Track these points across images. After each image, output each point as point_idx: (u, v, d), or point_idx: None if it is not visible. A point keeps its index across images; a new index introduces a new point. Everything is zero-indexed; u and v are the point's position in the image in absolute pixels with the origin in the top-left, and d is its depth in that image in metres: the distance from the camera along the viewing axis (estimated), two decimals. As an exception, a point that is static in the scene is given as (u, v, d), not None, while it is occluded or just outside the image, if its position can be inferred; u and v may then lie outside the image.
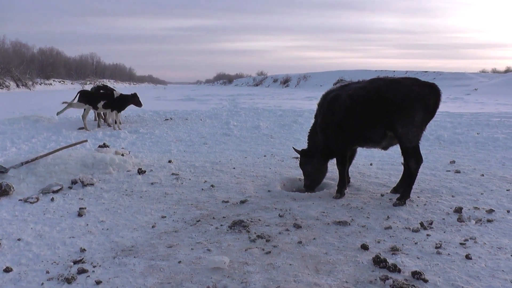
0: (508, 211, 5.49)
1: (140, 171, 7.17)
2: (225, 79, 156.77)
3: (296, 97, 34.85)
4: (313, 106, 22.19)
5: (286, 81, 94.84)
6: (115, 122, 13.63)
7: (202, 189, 6.31)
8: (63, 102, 13.99)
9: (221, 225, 4.79)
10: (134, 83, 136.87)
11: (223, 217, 5.06)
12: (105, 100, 13.48)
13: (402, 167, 7.27)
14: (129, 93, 14.45)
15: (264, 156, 8.85)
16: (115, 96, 13.63)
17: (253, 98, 35.52)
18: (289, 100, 31.50)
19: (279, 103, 27.97)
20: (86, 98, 13.46)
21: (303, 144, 10.37)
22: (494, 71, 58.48)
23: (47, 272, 3.67)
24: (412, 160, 5.81)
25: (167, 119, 16.34)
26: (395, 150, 9.64)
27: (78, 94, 13.59)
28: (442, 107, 19.79)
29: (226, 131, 12.65)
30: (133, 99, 14.04)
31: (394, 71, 51.84)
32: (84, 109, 13.50)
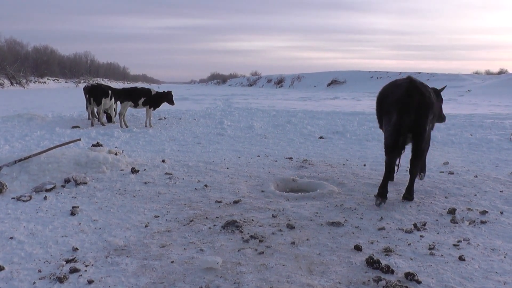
0: (502, 213, 5.51)
1: (134, 170, 7.14)
2: (219, 79, 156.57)
3: (290, 97, 34.89)
4: (307, 106, 22.28)
5: (280, 82, 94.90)
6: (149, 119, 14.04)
7: (196, 188, 6.29)
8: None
9: (214, 225, 4.77)
10: (128, 82, 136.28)
11: (216, 217, 5.04)
12: (145, 97, 13.84)
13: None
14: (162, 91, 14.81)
15: (258, 156, 8.84)
16: (153, 93, 14.01)
17: (247, 98, 35.52)
18: (283, 101, 31.52)
19: (273, 103, 27.98)
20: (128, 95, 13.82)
21: (297, 144, 10.45)
22: (488, 73, 58.76)
23: (39, 271, 3.64)
24: None
25: (161, 119, 16.32)
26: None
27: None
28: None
29: (220, 131, 12.63)
30: (168, 97, 14.39)
31: (388, 72, 51.98)
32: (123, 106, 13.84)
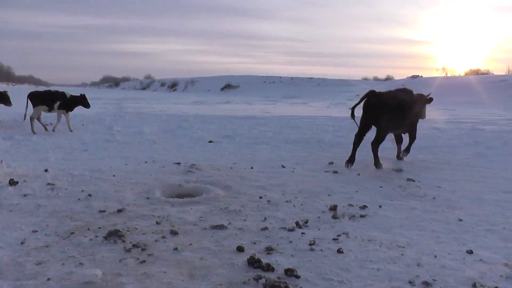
0: (380, 206, 5.89)
1: (12, 182, 6.70)
2: (112, 82, 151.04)
3: (182, 101, 34.66)
4: (199, 111, 22.25)
5: (173, 85, 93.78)
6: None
7: (79, 199, 6.02)
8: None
9: (96, 236, 4.60)
10: (13, 83, 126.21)
11: (99, 227, 4.86)
12: (60, 101, 13.46)
13: (282, 169, 8.22)
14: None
15: (146, 162, 8.67)
16: (68, 97, 13.64)
17: (139, 102, 34.76)
18: (175, 105, 31.22)
19: (165, 107, 27.62)
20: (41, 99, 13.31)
21: (186, 149, 10.37)
22: (376, 79, 62.19)
23: None
24: None
25: (47, 125, 15.47)
26: (279, 154, 9.95)
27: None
28: (324, 112, 20.47)
29: (108, 137, 12.24)
30: (82, 100, 14.06)
31: (280, 77, 53.25)
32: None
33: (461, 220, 5.46)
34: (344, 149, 10.81)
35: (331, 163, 8.84)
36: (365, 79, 61.29)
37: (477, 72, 55.85)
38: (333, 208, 5.68)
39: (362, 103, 8.65)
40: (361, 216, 5.46)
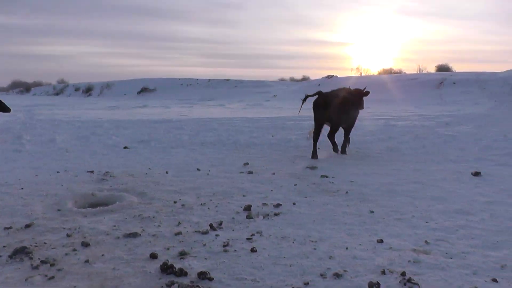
0: (294, 203, 6.08)
1: None
2: (22, 87, 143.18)
3: (98, 106, 33.60)
4: (115, 116, 21.68)
5: (88, 90, 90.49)
6: None
7: (-18, 217, 5.70)
8: None
9: (0, 256, 4.36)
10: None
11: (4, 246, 4.57)
12: None
13: (197, 172, 8.23)
14: None
15: (58, 172, 8.35)
16: None
17: (52, 108, 33.29)
18: (90, 110, 30.22)
19: (79, 113, 26.66)
20: None
21: (100, 157, 10.05)
22: (292, 79, 63.26)
23: None
24: None
25: None
26: (194, 157, 9.88)
27: None
28: (241, 114, 20.55)
29: (17, 147, 11.63)
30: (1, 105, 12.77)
31: (197, 79, 52.94)
32: None
33: (372, 212, 5.75)
34: (259, 150, 11.00)
35: (246, 164, 8.95)
36: (282, 79, 62.23)
37: (390, 72, 58.44)
38: (248, 208, 5.78)
39: (312, 104, 10.18)
40: (275, 214, 5.61)
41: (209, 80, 52.35)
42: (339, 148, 10.48)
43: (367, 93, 10.54)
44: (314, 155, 9.89)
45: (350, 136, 10.96)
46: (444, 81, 30.83)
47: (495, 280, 3.79)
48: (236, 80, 50.58)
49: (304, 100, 10.19)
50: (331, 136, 10.37)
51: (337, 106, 9.93)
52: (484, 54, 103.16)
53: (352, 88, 10.81)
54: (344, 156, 10.19)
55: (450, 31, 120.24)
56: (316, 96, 10.17)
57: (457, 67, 56.69)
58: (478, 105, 23.38)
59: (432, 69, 55.65)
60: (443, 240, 4.74)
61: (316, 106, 10.09)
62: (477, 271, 3.98)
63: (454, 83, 29.95)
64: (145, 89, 64.97)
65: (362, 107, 10.65)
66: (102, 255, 4.30)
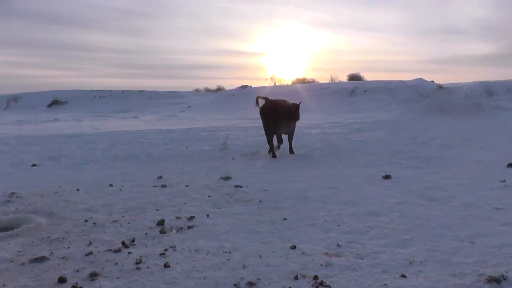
0: (208, 215, 6.12)
1: None
2: None
3: (4, 121, 31.71)
4: (22, 131, 20.63)
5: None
6: None
7: None
8: None
9: None
10: None
11: None
12: None
13: (110, 188, 8.05)
14: None
15: (-43, 196, 7.86)
16: None
17: (-49, 127, 31.28)
18: (-4, 127, 28.75)
19: (-17, 130, 25.27)
20: None
21: (5, 176, 9.43)
22: (207, 90, 63.04)
23: None
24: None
25: None
26: (107, 173, 9.63)
27: None
28: (155, 125, 20.18)
29: None
30: None
31: (111, 91, 51.41)
32: None
33: (285, 219, 5.92)
34: (173, 162, 10.93)
35: (160, 177, 8.87)
36: (197, 90, 61.80)
37: (303, 81, 60.01)
38: (161, 222, 5.75)
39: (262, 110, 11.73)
40: (189, 227, 5.62)
41: (123, 91, 51.04)
42: (276, 151, 11.78)
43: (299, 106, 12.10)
44: (274, 155, 11.48)
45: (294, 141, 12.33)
46: (355, 89, 32.00)
47: (403, 276, 4.04)
48: (150, 91, 49.60)
49: (257, 101, 12.08)
50: (269, 139, 11.63)
51: (281, 113, 11.44)
52: (393, 64, 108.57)
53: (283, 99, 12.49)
54: (258, 165, 10.39)
55: (360, 42, 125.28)
56: (264, 100, 11.92)
57: (368, 76, 59.25)
58: (388, 112, 24.51)
59: (344, 78, 57.85)
60: (355, 242, 4.98)
61: (265, 112, 11.56)
62: (387, 269, 4.22)
63: (365, 91, 31.16)
64: (56, 101, 62.39)
65: (299, 118, 12.11)
66: (4, 285, 4.09)
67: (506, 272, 4.03)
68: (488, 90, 26.51)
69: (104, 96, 47.72)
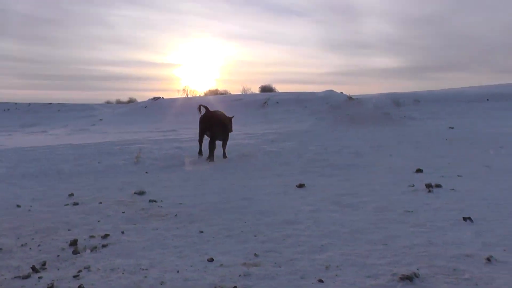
0: (123, 232, 6.01)
1: None
2: None
3: None
4: None
5: None
6: None
7: None
8: None
9: None
10: None
11: None
12: None
13: (17, 209, 7.60)
14: None
15: None
16: None
17: None
18: None
19: None
20: None
21: None
22: (118, 102, 61.68)
23: None
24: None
25: None
26: (14, 192, 9.12)
27: None
28: (65, 140, 19.42)
29: None
30: None
31: (16, 103, 48.83)
32: None
33: (202, 231, 5.94)
34: (85, 178, 10.61)
35: (72, 194, 8.56)
36: (108, 102, 60.31)
37: (215, 93, 60.57)
38: (74, 243, 5.56)
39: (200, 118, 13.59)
40: (104, 246, 5.48)
41: (30, 104, 48.74)
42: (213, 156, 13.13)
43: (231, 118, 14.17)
44: (200, 153, 13.59)
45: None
46: (268, 101, 32.71)
47: (321, 281, 4.20)
48: (59, 103, 47.72)
49: (199, 108, 13.67)
50: (211, 144, 13.07)
51: (219, 123, 13.23)
52: (304, 76, 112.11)
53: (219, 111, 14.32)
54: (172, 178, 10.35)
55: (271, 54, 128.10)
56: (205, 110, 13.63)
57: (279, 88, 61.12)
58: (300, 123, 25.21)
59: (256, 89, 59.15)
60: (272, 251, 5.09)
61: (204, 121, 13.30)
62: (304, 275, 4.36)
63: (277, 102, 31.92)
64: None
65: (231, 130, 13.93)
66: None
67: (417, 270, 4.31)
68: (396, 101, 28.04)
69: (8, 109, 45.25)
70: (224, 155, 13.41)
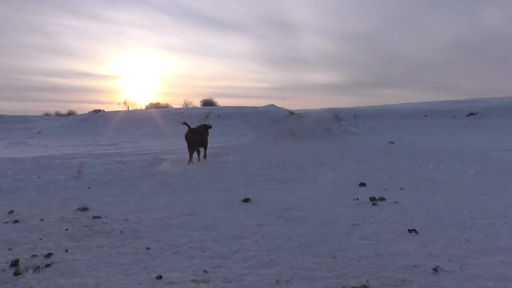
0: (67, 250, 5.90)
1: None
2: None
3: None
4: None
5: None
6: None
7: None
8: None
9: None
10: None
11: None
12: None
13: None
14: None
15: None
16: None
17: None
18: None
19: None
20: None
21: None
22: (58, 114, 60.00)
23: None
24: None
25: None
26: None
27: None
28: (3, 154, 18.56)
29: None
30: None
31: None
32: None
33: (149, 248, 5.90)
34: (25, 194, 10.27)
35: (11, 211, 8.24)
36: (47, 114, 58.45)
37: (157, 106, 60.16)
38: (15, 263, 5.39)
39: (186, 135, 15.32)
40: (47, 265, 5.35)
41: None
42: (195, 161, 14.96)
43: (210, 126, 17.17)
44: (190, 161, 14.85)
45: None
46: (209, 114, 32.78)
47: (272, 296, 4.26)
48: (-5, 115, 46.00)
49: (185, 123, 15.64)
50: (190, 151, 15.13)
51: (199, 136, 15.38)
52: (245, 90, 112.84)
53: (202, 123, 17.25)
54: (116, 193, 10.15)
55: (211, 67, 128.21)
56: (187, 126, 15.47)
57: (221, 102, 61.32)
58: (243, 137, 25.35)
59: (197, 103, 59.11)
60: (221, 266, 5.14)
61: (188, 136, 15.15)
62: (255, 290, 4.39)
63: (219, 116, 32.03)
64: None
65: (208, 135, 16.28)
66: None
67: (367, 282, 4.47)
68: (336, 116, 28.70)
69: None
70: (205, 156, 15.71)
